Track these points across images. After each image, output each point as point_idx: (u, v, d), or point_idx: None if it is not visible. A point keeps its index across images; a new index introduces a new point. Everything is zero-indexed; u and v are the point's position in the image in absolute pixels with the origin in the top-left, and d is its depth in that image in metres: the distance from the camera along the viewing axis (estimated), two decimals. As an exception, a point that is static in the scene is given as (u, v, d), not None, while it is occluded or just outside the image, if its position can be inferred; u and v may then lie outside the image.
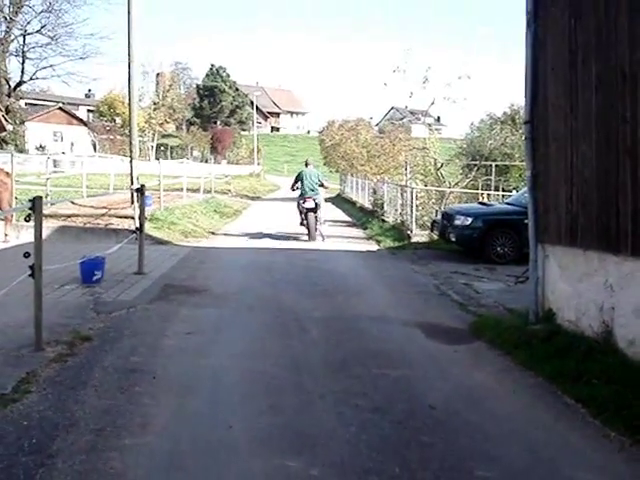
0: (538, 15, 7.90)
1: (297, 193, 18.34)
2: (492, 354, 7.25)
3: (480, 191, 22.55)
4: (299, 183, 18.23)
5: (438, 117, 77.30)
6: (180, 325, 8.05)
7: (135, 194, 14.59)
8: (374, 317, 8.86)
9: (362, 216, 26.24)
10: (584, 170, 7.03)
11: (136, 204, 15.10)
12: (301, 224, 18.29)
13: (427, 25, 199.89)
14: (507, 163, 28.73)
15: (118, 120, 65.02)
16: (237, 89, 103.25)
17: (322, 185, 18.46)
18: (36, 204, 6.64)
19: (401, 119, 48.59)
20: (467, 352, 7.36)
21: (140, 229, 11.83)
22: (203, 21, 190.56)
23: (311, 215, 17.81)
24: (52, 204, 19.63)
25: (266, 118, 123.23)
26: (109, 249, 10.92)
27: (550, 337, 7.22)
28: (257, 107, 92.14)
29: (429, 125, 27.62)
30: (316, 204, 17.86)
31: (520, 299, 9.34)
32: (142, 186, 12.35)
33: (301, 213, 18.11)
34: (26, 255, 6.50)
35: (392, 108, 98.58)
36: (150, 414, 5.12)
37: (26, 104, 61.64)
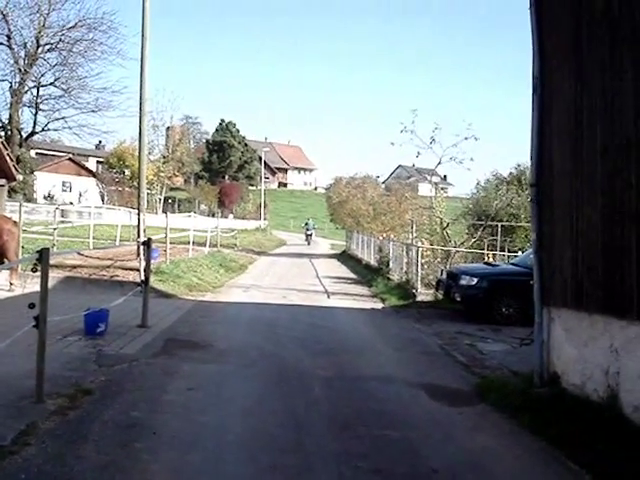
0: (544, 80, 8.05)
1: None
2: (496, 417, 7.18)
3: (486, 251, 22.61)
4: (306, 225, 54.80)
5: (444, 176, 77.80)
6: (182, 381, 8.00)
7: (142, 247, 14.61)
8: (378, 377, 8.81)
9: (367, 273, 26.22)
10: (589, 234, 7.06)
11: (142, 257, 15.16)
12: (305, 240, 53.05)
13: (436, 80, 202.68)
14: (513, 223, 28.75)
15: (127, 172, 65.52)
16: (246, 144, 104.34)
17: (314, 229, 54.35)
18: (43, 255, 6.68)
19: (408, 177, 49.01)
20: (471, 414, 7.30)
21: (146, 282, 11.85)
22: (214, 76, 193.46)
23: (309, 238, 53.51)
24: (58, 254, 19.69)
25: (274, 174, 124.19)
26: (113, 301, 10.92)
27: (555, 401, 7.16)
28: (265, 163, 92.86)
29: (435, 184, 27.78)
30: (311, 234, 54.06)
31: (525, 361, 9.30)
32: (149, 239, 12.42)
33: (306, 236, 53.92)
34: (31, 306, 6.51)
35: (399, 166, 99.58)
36: (149, 470, 5.06)
37: (36, 154, 62.28)
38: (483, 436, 6.48)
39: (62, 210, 39.56)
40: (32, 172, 55.56)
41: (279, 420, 6.62)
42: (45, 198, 57.56)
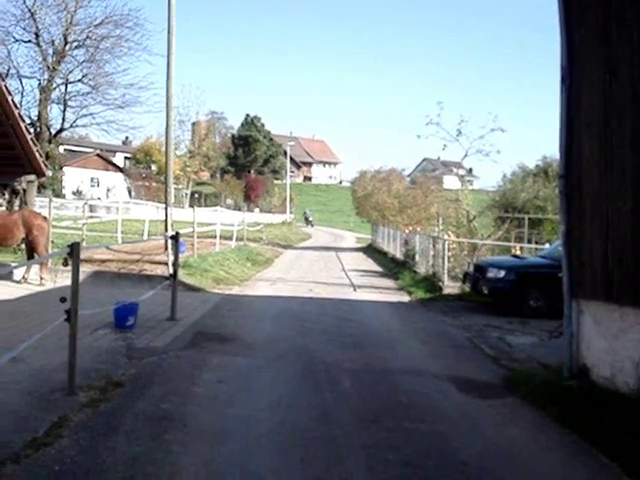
0: (572, 70, 7.97)
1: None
2: (526, 409, 7.14)
3: (512, 244, 22.43)
4: (305, 214, 77.15)
5: (470, 169, 77.27)
6: (211, 373, 8.06)
7: (170, 241, 14.71)
8: (406, 370, 8.80)
9: (394, 266, 26.17)
10: (619, 225, 6.99)
11: (170, 251, 15.26)
12: (306, 224, 74.08)
13: (461, 72, 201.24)
14: (540, 216, 28.52)
15: (154, 167, 66.07)
16: (271, 139, 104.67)
17: (312, 216, 76.78)
18: (74, 249, 6.75)
19: (433, 170, 48.72)
20: (500, 407, 7.26)
21: (174, 276, 11.93)
22: (240, 72, 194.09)
23: (310, 222, 75.74)
24: (87, 249, 19.90)
25: (299, 167, 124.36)
26: (142, 295, 11.00)
27: (585, 393, 7.11)
28: (290, 157, 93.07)
29: (461, 177, 27.62)
30: (311, 220, 76.38)
31: (553, 354, 9.24)
32: (177, 233, 12.48)
33: (306, 221, 76.04)
34: (62, 300, 6.60)
35: (424, 159, 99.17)
36: (180, 463, 5.10)
37: (65, 150, 62.92)
38: (513, 429, 6.45)
39: (90, 205, 40.03)
40: (61, 168, 56.23)
41: (308, 413, 6.63)
42: (73, 193, 58.20)
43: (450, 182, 48.50)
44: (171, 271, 12.21)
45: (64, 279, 16.10)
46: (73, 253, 6.75)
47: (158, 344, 9.57)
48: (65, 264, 7.07)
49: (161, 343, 9.64)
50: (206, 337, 10.30)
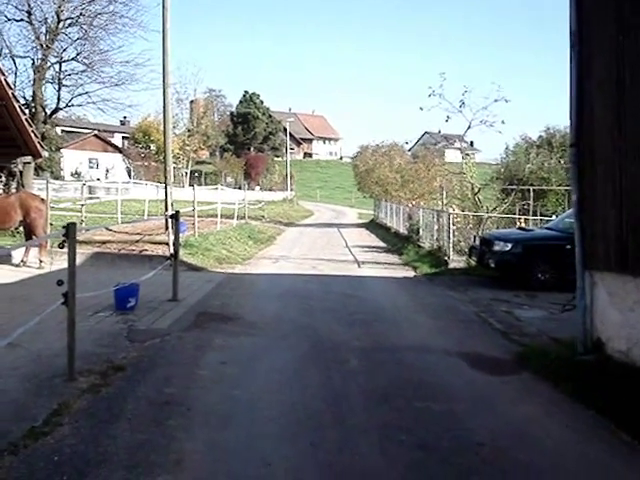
0: (582, 35, 7.67)
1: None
2: (541, 386, 6.93)
3: (517, 216, 22.18)
4: None
5: (471, 142, 76.73)
6: (214, 355, 7.85)
7: (170, 220, 14.47)
8: (415, 347, 8.60)
9: (397, 242, 25.95)
10: (634, 193, 6.74)
11: (170, 230, 15.03)
12: None
13: (460, 48, 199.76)
14: (544, 187, 28.25)
15: (153, 147, 65.58)
16: (270, 116, 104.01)
17: None
18: (70, 231, 6.51)
19: (434, 144, 48.26)
20: (514, 383, 7.05)
21: (175, 256, 11.72)
22: (237, 47, 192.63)
23: None
24: (87, 230, 19.69)
25: (299, 144, 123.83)
26: (143, 275, 10.79)
27: (600, 368, 6.90)
28: (290, 134, 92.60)
29: (463, 149, 27.24)
30: None
31: (564, 328, 9.06)
32: (177, 212, 12.25)
33: None
34: (59, 283, 6.37)
35: (425, 133, 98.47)
36: (185, 449, 4.90)
37: (62, 131, 62.54)
38: (528, 406, 6.25)
39: (89, 187, 39.81)
40: (59, 149, 55.92)
41: (316, 394, 6.43)
42: (72, 175, 57.91)
43: (451, 156, 48.09)
44: (172, 251, 11.96)
45: (62, 261, 15.88)
46: (69, 234, 6.51)
47: (160, 326, 9.37)
48: (61, 246, 6.85)
49: (163, 325, 9.44)
50: (209, 317, 10.10)
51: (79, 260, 16.81)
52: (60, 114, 34.42)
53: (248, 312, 10.69)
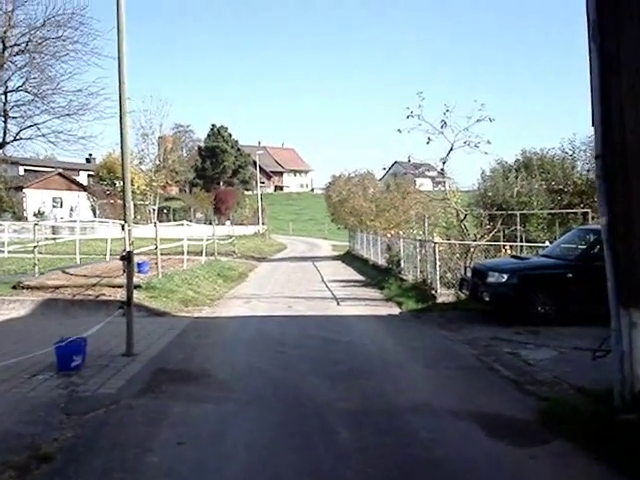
0: (603, 24, 6.38)
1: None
2: (580, 459, 5.48)
3: (503, 243, 20.92)
4: None
5: (442, 169, 76.03)
6: (170, 431, 6.29)
7: (123, 262, 12.85)
8: (414, 407, 7.10)
9: (377, 274, 24.55)
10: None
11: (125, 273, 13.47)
12: None
13: (426, 76, 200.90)
14: (525, 212, 27.23)
15: (118, 184, 63.90)
16: (239, 149, 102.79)
17: None
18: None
19: (404, 174, 47.47)
20: (547, 458, 5.55)
21: (128, 303, 10.16)
22: (203, 82, 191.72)
23: None
24: (41, 274, 18.09)
25: (269, 177, 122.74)
26: (98, 324, 9.42)
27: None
28: (260, 167, 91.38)
29: (434, 178, 26.00)
30: None
31: (583, 372, 7.87)
32: (129, 253, 10.70)
33: None
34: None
35: (395, 162, 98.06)
36: None
37: (25, 171, 60.68)
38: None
39: (53, 227, 38.15)
40: (20, 189, 54.14)
41: (298, 486, 4.93)
42: (35, 215, 55.99)
43: (424, 185, 47.43)
44: (126, 297, 10.39)
45: (10, 310, 14.36)
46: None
47: (108, 390, 7.84)
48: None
49: (112, 388, 7.91)
50: (168, 376, 8.57)
51: (28, 309, 15.33)
52: (9, 149, 32.60)
53: (214, 366, 9.19)
